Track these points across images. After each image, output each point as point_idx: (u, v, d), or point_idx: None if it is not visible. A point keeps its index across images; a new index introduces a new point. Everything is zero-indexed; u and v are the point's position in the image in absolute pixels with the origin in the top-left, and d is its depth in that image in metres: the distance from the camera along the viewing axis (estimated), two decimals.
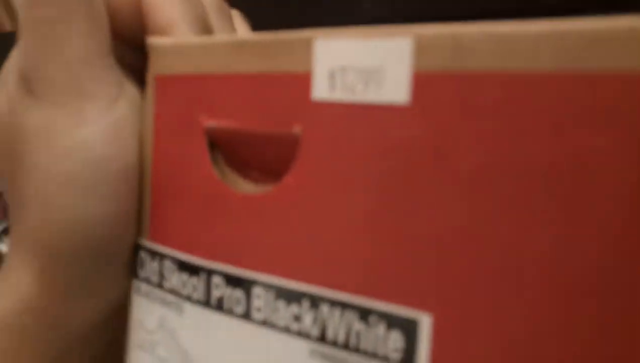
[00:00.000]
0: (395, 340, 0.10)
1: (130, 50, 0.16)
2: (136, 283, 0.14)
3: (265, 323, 0.11)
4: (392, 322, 0.10)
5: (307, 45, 0.11)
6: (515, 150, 0.09)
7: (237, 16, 0.19)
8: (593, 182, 0.08)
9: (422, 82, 0.09)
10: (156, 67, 0.14)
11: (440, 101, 0.09)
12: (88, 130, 0.13)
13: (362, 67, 0.10)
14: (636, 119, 0.08)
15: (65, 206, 0.13)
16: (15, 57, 0.15)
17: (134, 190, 0.14)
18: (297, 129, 0.11)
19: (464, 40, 0.09)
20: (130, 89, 0.14)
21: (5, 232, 0.36)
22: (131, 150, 0.14)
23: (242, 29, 0.19)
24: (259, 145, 0.12)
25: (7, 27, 0.49)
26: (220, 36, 0.15)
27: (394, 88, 0.10)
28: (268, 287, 0.11)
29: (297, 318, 0.11)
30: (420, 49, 0.09)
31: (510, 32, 0.08)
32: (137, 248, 0.14)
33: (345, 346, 0.10)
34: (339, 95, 0.10)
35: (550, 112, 0.08)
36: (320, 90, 0.10)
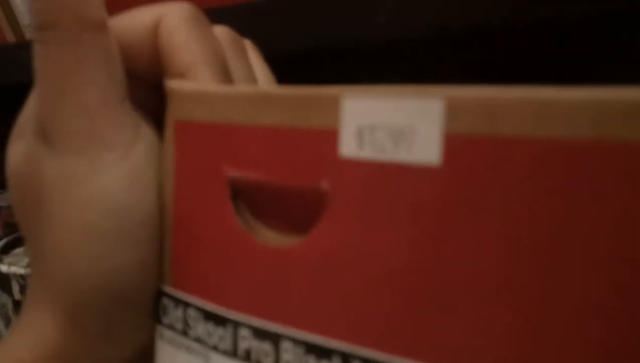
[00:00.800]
0: None
1: (147, 90, 0.16)
2: (160, 330, 0.14)
3: None
4: None
5: (335, 103, 0.11)
6: (550, 215, 0.09)
7: (250, 47, 0.19)
8: (629, 249, 0.08)
9: (453, 143, 0.09)
10: (176, 112, 0.14)
11: (472, 164, 0.09)
12: (107, 178, 0.13)
13: (392, 126, 0.10)
14: None
15: (86, 257, 0.13)
16: (31, 106, 0.15)
17: (154, 236, 0.14)
18: (325, 184, 0.11)
19: (498, 106, 0.09)
20: (147, 131, 0.14)
21: (4, 250, 0.36)
22: (151, 196, 0.14)
23: (256, 60, 0.19)
24: (284, 197, 0.12)
25: (9, 38, 0.49)
26: (244, 87, 0.15)
27: (425, 148, 0.10)
28: (297, 341, 0.11)
29: None
30: (452, 111, 0.09)
31: (547, 99, 0.08)
32: (160, 294, 0.14)
33: None
34: (368, 153, 0.10)
35: (588, 179, 0.08)
36: (349, 148, 0.10)
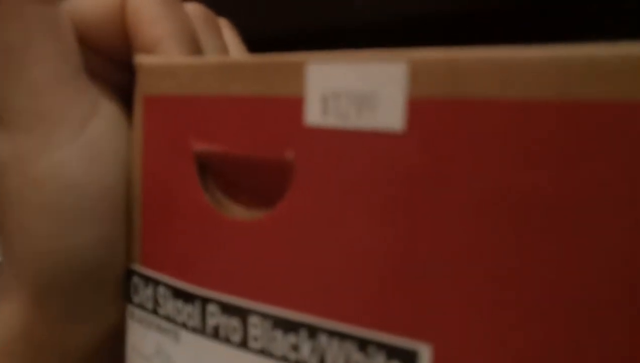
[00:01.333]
0: None
1: (117, 67, 0.15)
2: (130, 309, 0.14)
3: (262, 352, 0.11)
4: (392, 352, 0.10)
5: (299, 70, 0.10)
6: (516, 179, 0.08)
7: (225, 26, 0.19)
8: (597, 212, 0.08)
9: (417, 108, 0.09)
10: (144, 87, 0.14)
11: (437, 128, 0.09)
12: (60, 154, 0.13)
13: (355, 92, 0.10)
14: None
15: (45, 236, 0.13)
16: None
17: (118, 212, 0.14)
18: (290, 154, 0.11)
19: (461, 66, 0.08)
20: (107, 106, 0.14)
21: None
22: (110, 171, 0.13)
23: (231, 40, 0.18)
24: (250, 169, 0.12)
25: None
26: (210, 57, 0.14)
27: (388, 114, 0.09)
28: (264, 316, 0.11)
29: (295, 347, 0.11)
30: (415, 74, 0.09)
31: (510, 59, 0.08)
32: (130, 273, 0.14)
33: None
34: (332, 120, 0.10)
35: (552, 141, 0.08)
36: (313, 116, 0.10)
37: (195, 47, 0.15)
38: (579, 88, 0.08)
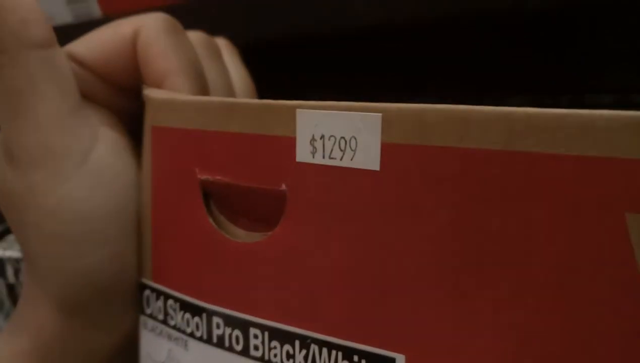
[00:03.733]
0: None
1: (127, 95, 0.17)
2: (143, 319, 0.16)
3: (262, 360, 0.13)
4: (373, 360, 0.11)
5: (292, 113, 0.12)
6: (469, 214, 0.10)
7: (224, 46, 0.20)
8: (534, 243, 0.09)
9: (390, 151, 0.10)
10: (153, 118, 0.15)
11: (406, 170, 0.10)
12: (67, 187, 0.14)
13: (338, 136, 0.11)
14: (568, 195, 0.09)
15: (62, 258, 0.14)
16: None
17: (126, 231, 0.15)
18: (284, 186, 0.12)
19: (427, 119, 0.10)
20: (108, 132, 0.15)
21: (0, 236, 0.37)
22: (113, 194, 0.15)
23: (230, 60, 0.19)
24: (249, 198, 0.13)
25: None
26: (213, 98, 0.16)
27: (366, 156, 0.11)
28: (263, 328, 0.13)
29: (290, 356, 0.12)
30: (389, 123, 0.10)
31: (466, 114, 0.10)
32: (142, 286, 0.15)
33: None
34: (319, 159, 0.11)
35: (498, 184, 0.10)
36: (303, 154, 0.12)
37: (200, 77, 0.16)
38: (520, 141, 0.09)
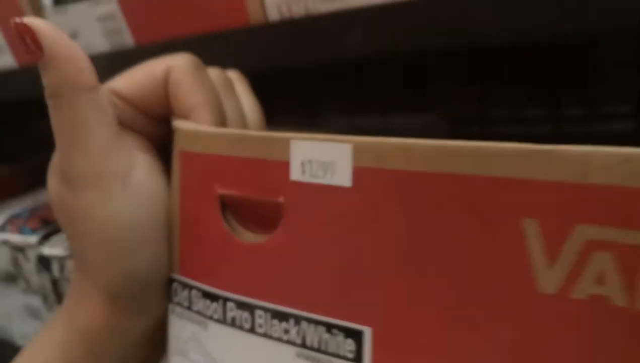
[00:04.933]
0: (349, 345, 0.14)
1: (158, 123, 0.21)
2: (171, 306, 0.19)
3: (265, 335, 0.16)
4: (347, 332, 0.15)
5: (287, 143, 0.15)
6: (416, 221, 0.13)
7: (237, 79, 0.23)
8: (457, 246, 0.13)
9: (359, 173, 0.14)
10: (180, 145, 0.19)
11: (371, 186, 0.14)
12: (114, 204, 0.18)
13: (321, 160, 0.15)
14: (478, 207, 0.12)
15: (112, 258, 0.18)
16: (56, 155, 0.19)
17: (159, 236, 0.19)
18: (281, 199, 0.16)
19: (383, 149, 0.13)
20: (143, 157, 0.19)
21: (46, 237, 0.42)
22: (153, 209, 0.18)
23: (242, 90, 0.23)
24: (256, 207, 0.17)
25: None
26: (228, 130, 0.19)
27: (342, 176, 0.14)
28: (266, 310, 0.16)
29: (287, 331, 0.16)
30: (357, 152, 0.14)
31: (410, 146, 0.13)
32: (171, 280, 0.19)
33: (318, 350, 0.15)
34: (308, 178, 0.15)
35: (434, 198, 0.13)
36: (295, 174, 0.15)
37: (219, 110, 0.20)
38: (450, 166, 0.13)
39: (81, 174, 0.18)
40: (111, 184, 0.18)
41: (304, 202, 0.15)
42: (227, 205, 0.18)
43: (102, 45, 0.38)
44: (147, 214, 0.18)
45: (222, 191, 0.17)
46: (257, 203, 0.16)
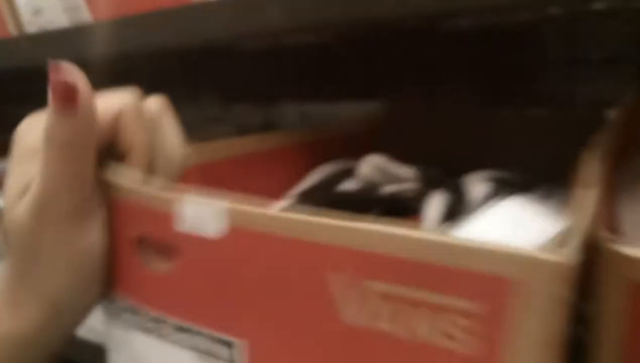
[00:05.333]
0: (229, 354, 0.20)
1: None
2: (108, 318, 0.24)
3: (174, 342, 0.21)
4: (224, 343, 0.20)
5: (179, 201, 0.20)
6: (266, 269, 0.18)
7: (164, 112, 0.26)
8: (277, 291, 0.18)
9: (232, 227, 0.19)
10: (112, 193, 0.23)
11: (238, 239, 0.19)
12: (91, 238, 0.22)
13: (203, 214, 0.19)
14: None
15: (67, 282, 0.22)
16: (19, 178, 0.23)
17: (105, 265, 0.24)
18: (176, 242, 0.21)
19: (243, 214, 0.18)
20: (100, 196, 0.24)
21: None
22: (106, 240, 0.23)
23: (168, 126, 0.26)
24: (160, 245, 0.22)
25: (13, 32, 0.53)
26: (145, 188, 0.23)
27: (219, 228, 0.19)
28: (172, 324, 0.21)
29: (186, 341, 0.21)
30: (230, 210, 0.19)
31: (271, 214, 0.18)
32: (108, 300, 0.24)
33: (209, 354, 0.20)
34: (196, 229, 0.20)
35: (278, 256, 0.18)
36: (184, 226, 0.20)
37: (149, 153, 0.24)
38: (290, 232, 0.18)
39: (68, 214, 0.21)
40: (94, 221, 0.22)
41: (196, 246, 0.20)
42: (142, 243, 0.22)
43: (62, 20, 0.42)
44: (104, 246, 0.23)
45: (137, 232, 0.22)
46: (161, 242, 0.21)
